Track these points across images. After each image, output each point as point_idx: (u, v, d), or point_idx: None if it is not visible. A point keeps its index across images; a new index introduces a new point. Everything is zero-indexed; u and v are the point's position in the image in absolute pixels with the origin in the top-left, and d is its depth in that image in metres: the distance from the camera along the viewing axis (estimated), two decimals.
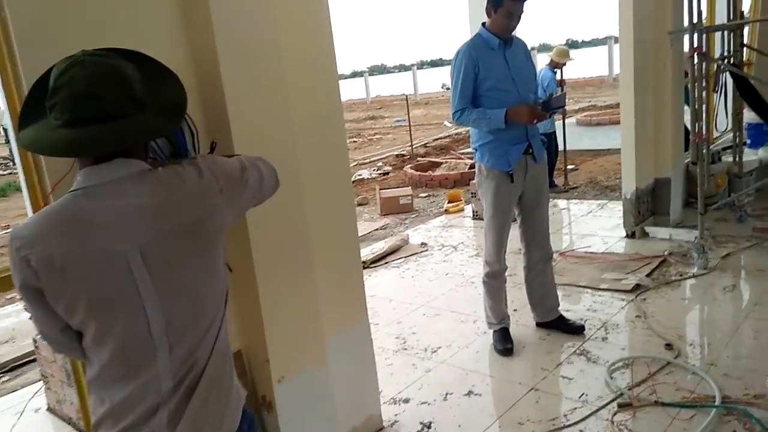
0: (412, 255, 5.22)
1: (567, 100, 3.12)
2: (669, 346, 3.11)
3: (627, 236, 4.95)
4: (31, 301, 1.18)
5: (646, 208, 4.99)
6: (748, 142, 5.64)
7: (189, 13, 1.90)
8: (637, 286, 3.92)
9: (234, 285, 2.07)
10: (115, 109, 1.13)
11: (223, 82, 1.89)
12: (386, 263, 5.09)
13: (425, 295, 4.29)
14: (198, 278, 1.22)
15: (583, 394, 2.80)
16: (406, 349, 3.48)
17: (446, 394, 2.95)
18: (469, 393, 2.94)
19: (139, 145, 1.22)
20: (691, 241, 4.46)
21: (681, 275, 4.06)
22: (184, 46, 1.90)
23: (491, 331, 3.41)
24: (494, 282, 3.31)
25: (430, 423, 2.72)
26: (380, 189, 7.77)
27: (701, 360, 2.98)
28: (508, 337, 3.34)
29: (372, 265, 5.02)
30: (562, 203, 6.50)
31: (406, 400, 2.93)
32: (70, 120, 1.12)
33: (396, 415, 2.82)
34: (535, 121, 3.04)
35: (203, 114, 1.95)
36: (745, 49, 5.09)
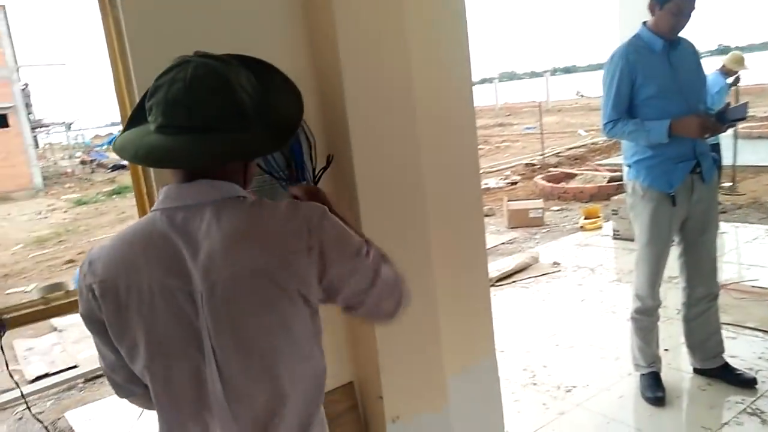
0: (542, 275, 4.79)
1: (747, 112, 2.59)
2: None
3: None
4: (95, 334, 1.04)
5: None
6: None
7: (311, 13, 1.72)
8: None
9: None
10: (213, 121, 0.95)
11: (344, 88, 1.68)
12: (513, 282, 4.71)
13: (558, 322, 3.86)
14: (270, 343, 0.99)
15: None
16: (535, 384, 3.11)
17: None
18: None
19: (236, 166, 1.04)
20: None
21: None
22: (303, 47, 1.72)
23: (638, 374, 2.95)
24: (645, 320, 2.84)
25: None
26: (508, 200, 7.35)
27: None
28: (659, 384, 2.85)
29: (497, 284, 4.67)
30: (722, 226, 5.70)
31: None
32: (162, 125, 0.96)
33: None
34: (706, 136, 2.56)
35: (321, 123, 1.76)
36: None
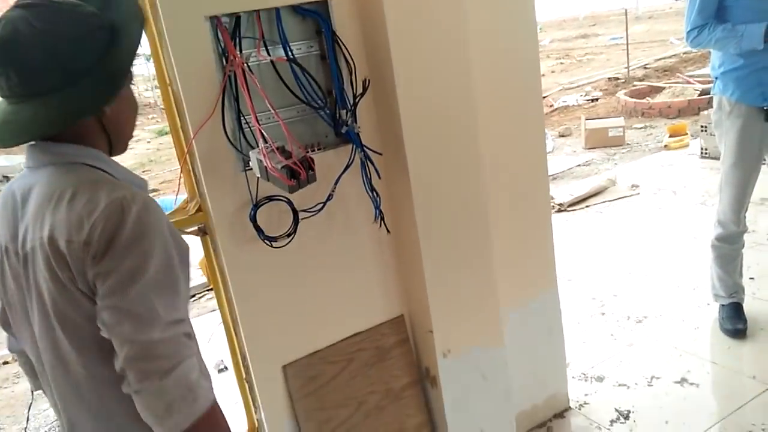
0: (619, 198, 4.53)
1: None
2: None
3: None
4: None
5: None
6: None
7: None
8: None
9: (395, 243, 1.82)
10: (35, 83, 0.90)
11: (384, 7, 1.54)
12: (587, 207, 4.49)
13: (633, 249, 3.66)
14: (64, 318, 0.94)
15: None
16: (604, 314, 2.99)
17: (652, 377, 2.44)
18: (682, 381, 2.40)
19: (88, 124, 0.96)
20: None
21: None
22: None
23: (718, 305, 2.76)
24: (727, 247, 2.62)
25: (628, 413, 2.27)
26: (586, 118, 6.92)
27: None
28: (740, 315, 2.66)
29: (569, 208, 4.46)
30: None
31: (600, 379, 2.49)
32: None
33: (586, 395, 2.41)
34: None
35: (362, 47, 1.64)
36: None
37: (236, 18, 1.45)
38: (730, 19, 2.32)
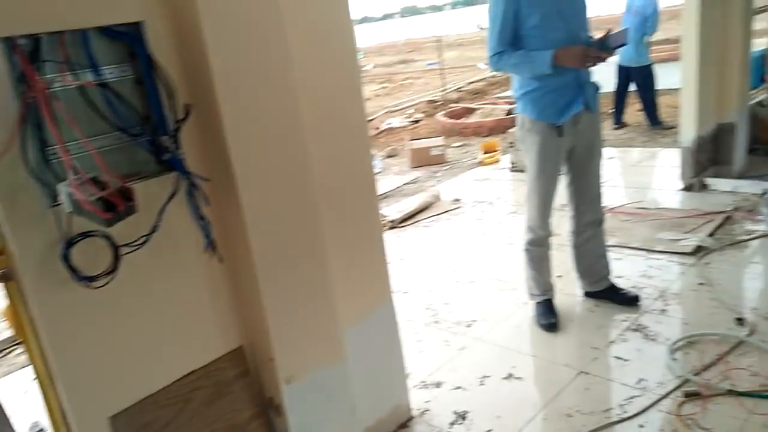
0: (444, 213, 4.84)
1: (627, 39, 2.61)
2: (740, 321, 2.71)
3: (684, 189, 4.46)
4: None
5: (707, 158, 4.47)
6: None
7: None
8: (699, 248, 3.49)
9: (229, 272, 1.77)
10: None
11: (203, 28, 1.50)
12: (416, 222, 4.73)
13: (459, 258, 3.93)
14: None
15: (641, 379, 2.44)
16: (437, 322, 3.16)
17: (483, 377, 2.63)
18: (509, 376, 2.61)
19: None
20: (758, 194, 3.96)
21: (749, 234, 3.59)
22: None
23: (533, 303, 3.06)
24: (537, 250, 2.93)
25: (465, 413, 2.41)
26: (410, 139, 7.33)
27: None
28: (552, 311, 2.98)
29: (401, 225, 4.67)
30: (609, 152, 5.97)
31: (438, 384, 2.62)
32: None
33: (426, 402, 2.52)
34: (588, 65, 2.58)
35: (183, 66, 1.58)
36: None
37: (36, 40, 1.33)
38: (525, 46, 2.61)
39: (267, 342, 1.77)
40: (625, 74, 6.70)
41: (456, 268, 3.78)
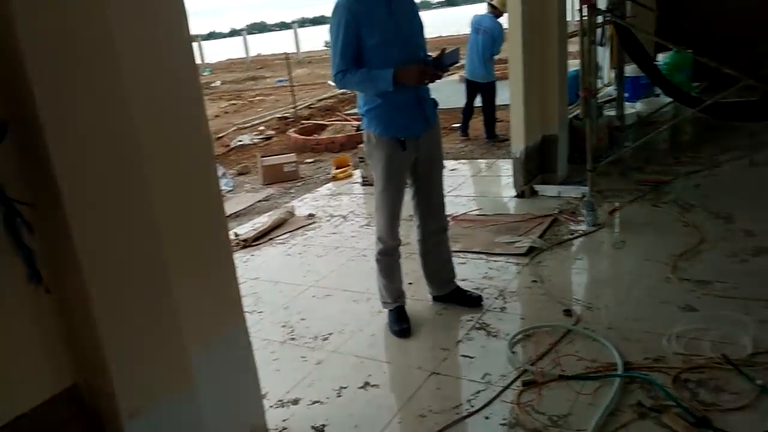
0: (298, 228, 4.84)
1: (459, 57, 2.82)
2: (567, 312, 3.01)
3: (517, 196, 4.87)
4: None
5: (535, 166, 4.93)
6: (627, 95, 5.72)
7: None
8: (531, 249, 3.82)
9: (58, 303, 1.63)
10: None
11: (20, 41, 1.38)
12: (271, 240, 4.68)
13: (314, 273, 3.95)
14: None
15: (486, 374, 2.62)
16: (294, 338, 3.14)
17: (340, 388, 2.65)
18: (366, 385, 2.66)
19: None
20: (578, 197, 4.44)
21: (572, 234, 4.01)
22: None
23: (387, 311, 3.15)
24: (388, 259, 3.03)
25: (323, 427, 2.42)
26: (261, 156, 7.24)
27: (600, 324, 2.88)
28: (404, 317, 3.10)
29: (254, 243, 4.59)
30: (450, 164, 6.35)
31: (296, 401, 2.61)
32: None
33: (284, 420, 2.49)
34: (426, 82, 2.74)
35: None
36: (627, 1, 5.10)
37: None
38: (367, 65, 2.71)
39: (105, 376, 1.65)
40: (472, 90, 7.22)
41: (312, 283, 3.79)
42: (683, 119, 5.21)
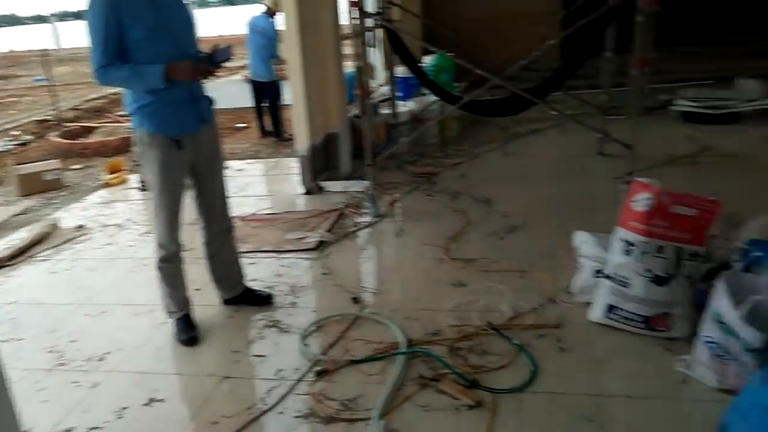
0: (65, 242, 4.33)
1: (232, 54, 2.75)
2: (355, 300, 3.13)
3: (305, 193, 4.94)
4: None
5: (320, 164, 5.04)
6: (400, 95, 6.14)
7: None
8: (320, 243, 3.90)
9: None
10: None
11: None
12: (30, 257, 4.12)
13: (86, 289, 3.57)
14: None
15: (279, 370, 2.61)
16: (63, 364, 2.80)
17: (121, 409, 2.44)
18: (151, 401, 2.48)
19: None
20: (362, 191, 4.65)
21: (357, 226, 4.18)
22: None
23: (173, 320, 2.97)
24: (170, 266, 2.86)
25: None
26: (16, 164, 6.34)
27: (385, 308, 3.05)
28: (191, 325, 2.95)
29: (9, 263, 4.00)
30: (237, 164, 6.21)
31: (69, 431, 2.33)
32: None
33: None
34: (200, 78, 2.63)
35: None
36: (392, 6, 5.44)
37: None
38: (133, 60, 2.51)
39: None
40: (258, 89, 7.18)
41: (83, 300, 3.42)
42: (447, 116, 5.75)
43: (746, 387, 2.03)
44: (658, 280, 2.49)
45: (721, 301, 2.21)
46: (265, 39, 6.85)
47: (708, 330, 2.28)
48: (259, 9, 7.16)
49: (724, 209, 3.12)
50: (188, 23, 2.74)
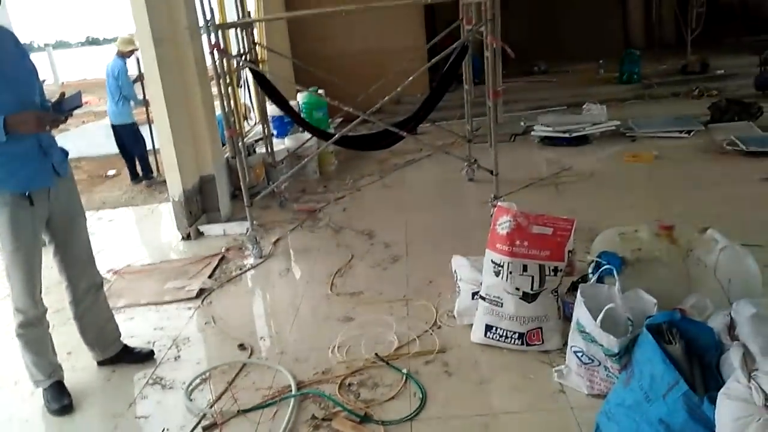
0: None
1: (83, 100, 2.64)
2: (242, 346, 3.07)
3: (184, 239, 4.78)
4: None
5: (197, 207, 4.91)
6: (275, 133, 6.15)
7: None
8: (201, 291, 3.79)
9: None
10: None
11: None
12: None
13: None
14: None
15: (164, 429, 2.49)
16: None
17: None
18: None
19: None
20: (243, 233, 4.58)
21: (240, 269, 4.10)
22: None
23: (41, 389, 2.75)
24: (33, 331, 2.65)
25: None
26: None
27: (273, 352, 3.01)
28: (63, 392, 2.74)
29: None
30: (108, 214, 5.89)
31: None
32: None
33: None
34: (48, 129, 2.50)
35: None
36: (258, 47, 5.46)
37: None
38: None
39: None
40: (116, 133, 6.95)
41: None
42: (324, 152, 5.83)
43: (612, 390, 2.24)
44: (527, 297, 2.68)
45: (580, 312, 2.41)
46: (113, 81, 6.70)
47: (573, 340, 2.48)
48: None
49: (583, 224, 3.46)
50: (30, 74, 2.59)
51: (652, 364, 2.03)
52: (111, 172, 7.82)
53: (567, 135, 6.22)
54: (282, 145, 5.97)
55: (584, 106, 6.85)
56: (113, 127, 6.97)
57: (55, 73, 22.65)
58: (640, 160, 5.51)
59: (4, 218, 2.47)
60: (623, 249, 2.76)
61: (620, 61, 9.02)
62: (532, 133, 6.57)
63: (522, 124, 7.04)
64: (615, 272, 2.45)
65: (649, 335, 2.08)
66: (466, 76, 5.24)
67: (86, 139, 10.64)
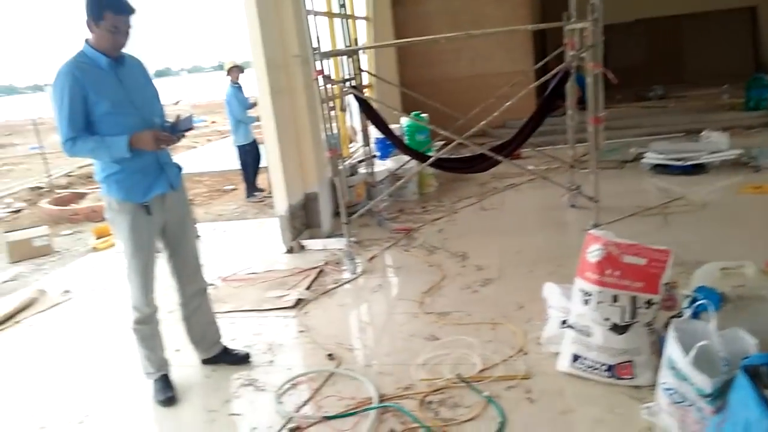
0: (51, 307, 4.40)
1: (194, 122, 2.91)
2: (331, 356, 3.20)
3: (287, 252, 5.05)
4: None
5: (301, 223, 5.18)
6: (379, 154, 6.34)
7: None
8: (299, 301, 3.99)
9: None
10: None
11: None
12: (17, 322, 4.18)
13: (68, 354, 3.62)
14: None
15: (253, 428, 2.66)
16: (44, 428, 2.84)
17: None
18: None
19: None
20: (342, 248, 4.76)
21: (336, 282, 4.27)
22: None
23: (151, 381, 3.03)
24: (146, 328, 2.94)
25: None
26: (6, 231, 6.46)
27: (360, 363, 3.12)
28: (168, 385, 3.00)
29: None
30: (222, 226, 6.34)
31: None
32: None
33: None
34: (163, 147, 2.78)
35: None
36: (363, 73, 5.70)
37: None
38: (99, 131, 2.67)
39: None
40: (240, 152, 7.48)
41: (65, 364, 3.47)
42: (422, 173, 5.94)
43: None
44: (617, 329, 2.58)
45: (672, 348, 2.30)
46: (228, 106, 7.32)
47: (665, 377, 2.36)
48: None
49: (690, 257, 3.28)
50: (153, 96, 2.91)
51: (748, 409, 1.90)
52: (228, 187, 8.40)
53: (681, 163, 5.89)
54: (383, 166, 6.14)
55: (703, 133, 6.46)
56: (238, 146, 7.58)
57: (188, 95, 24.78)
58: (763, 191, 5.10)
59: (126, 225, 2.78)
60: (724, 284, 2.59)
61: (747, 86, 8.41)
62: (643, 160, 6.28)
63: (631, 150, 6.75)
64: (712, 308, 2.31)
65: (746, 377, 1.95)
66: (570, 100, 5.14)
67: (210, 155, 11.53)
